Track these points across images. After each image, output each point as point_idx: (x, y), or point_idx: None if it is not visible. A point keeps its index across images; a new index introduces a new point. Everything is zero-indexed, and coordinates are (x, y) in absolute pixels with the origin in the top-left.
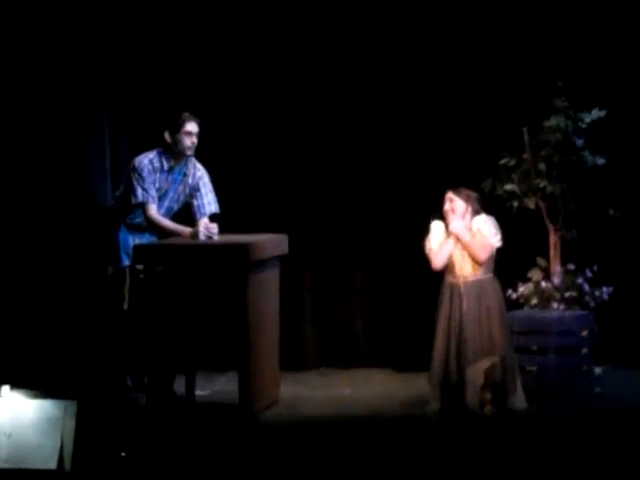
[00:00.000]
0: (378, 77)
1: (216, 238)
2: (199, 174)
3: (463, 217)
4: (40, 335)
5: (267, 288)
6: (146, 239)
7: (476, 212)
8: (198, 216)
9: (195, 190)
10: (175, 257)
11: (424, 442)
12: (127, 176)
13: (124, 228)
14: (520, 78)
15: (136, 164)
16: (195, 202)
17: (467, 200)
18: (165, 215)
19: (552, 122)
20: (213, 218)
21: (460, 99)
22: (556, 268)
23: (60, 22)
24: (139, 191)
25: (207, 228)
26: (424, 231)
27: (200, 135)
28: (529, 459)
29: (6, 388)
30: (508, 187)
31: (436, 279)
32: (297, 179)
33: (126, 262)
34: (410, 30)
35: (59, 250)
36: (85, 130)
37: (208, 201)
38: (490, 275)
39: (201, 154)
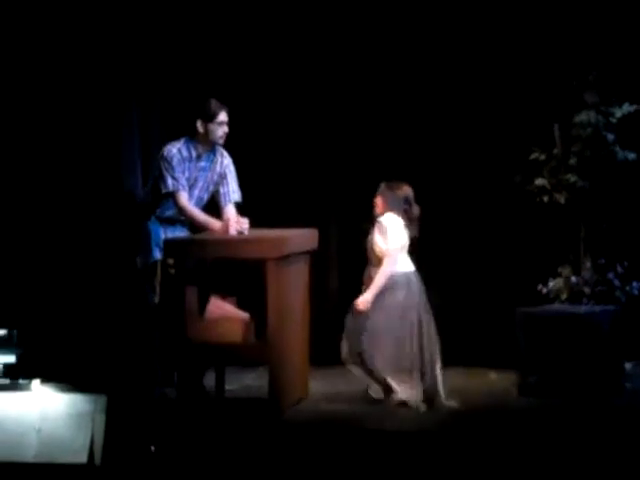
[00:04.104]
0: (407, 71)
1: (247, 233)
2: (226, 162)
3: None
4: (70, 329)
5: (297, 283)
6: (178, 232)
7: (395, 210)
8: (223, 204)
9: (222, 178)
10: (205, 252)
11: (449, 440)
12: (156, 166)
13: (155, 221)
14: (550, 73)
15: (165, 153)
16: (221, 189)
17: (384, 200)
18: (196, 206)
19: (583, 117)
20: (243, 212)
21: (491, 94)
22: (586, 263)
23: (90, 10)
24: (169, 180)
25: (238, 222)
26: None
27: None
28: (554, 454)
29: (36, 382)
30: (538, 182)
31: (458, 273)
32: (325, 174)
33: (157, 255)
34: (439, 23)
35: (88, 244)
36: (115, 119)
37: (233, 189)
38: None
39: (229, 145)
